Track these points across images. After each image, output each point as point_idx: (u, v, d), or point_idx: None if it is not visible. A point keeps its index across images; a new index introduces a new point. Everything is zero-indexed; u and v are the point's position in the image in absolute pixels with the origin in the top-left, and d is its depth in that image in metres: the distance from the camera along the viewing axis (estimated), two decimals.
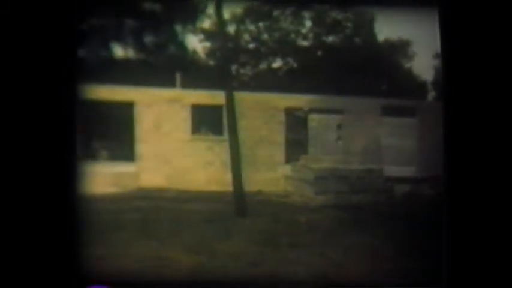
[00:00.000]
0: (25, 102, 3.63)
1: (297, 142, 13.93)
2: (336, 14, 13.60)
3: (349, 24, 14.12)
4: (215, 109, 13.07)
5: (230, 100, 9.96)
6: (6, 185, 3.53)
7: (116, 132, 14.30)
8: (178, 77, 13.67)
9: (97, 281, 4.27)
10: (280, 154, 13.46)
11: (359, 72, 12.89)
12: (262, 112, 13.41)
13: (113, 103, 13.00)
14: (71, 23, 3.97)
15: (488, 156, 3.96)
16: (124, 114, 13.48)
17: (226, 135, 11.68)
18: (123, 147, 14.13)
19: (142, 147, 13.12)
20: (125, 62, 13.57)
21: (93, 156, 14.13)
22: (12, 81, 3.66)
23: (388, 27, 12.70)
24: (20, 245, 3.48)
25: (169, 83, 13.52)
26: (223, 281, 6.01)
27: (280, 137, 13.48)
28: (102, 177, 11.98)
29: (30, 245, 3.49)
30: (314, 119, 13.53)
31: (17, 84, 3.69)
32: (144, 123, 13.14)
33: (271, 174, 13.25)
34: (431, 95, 13.01)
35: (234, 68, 14.13)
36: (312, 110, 13.67)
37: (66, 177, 3.82)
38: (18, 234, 3.48)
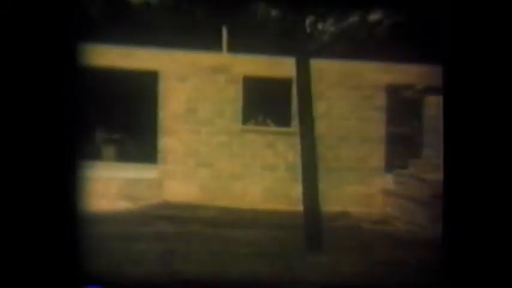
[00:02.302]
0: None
1: (404, 138, 13.65)
2: None
3: None
4: (279, 85, 13.20)
5: (303, 72, 9.51)
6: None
7: (129, 119, 14.52)
8: (224, 34, 13.71)
9: (94, 281, 5.14)
10: (377, 156, 13.53)
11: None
12: (351, 91, 13.49)
13: (125, 73, 13.17)
14: None
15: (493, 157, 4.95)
16: (142, 90, 13.87)
17: (295, 126, 11.86)
18: (140, 141, 14.41)
19: (168, 141, 13.27)
20: (145, 13, 13.55)
21: (95, 154, 14.54)
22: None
23: None
24: (16, 246, 4.39)
25: (211, 43, 13.57)
26: None
27: (378, 129, 13.51)
28: (108, 186, 12.35)
29: (27, 246, 4.41)
30: (433, 103, 13.05)
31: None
32: (173, 104, 13.27)
33: (363, 188, 13.38)
34: None
35: (308, 21, 13.66)
36: (429, 89, 13.28)
37: (63, 177, 4.60)
38: (13, 234, 4.41)
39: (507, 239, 4.86)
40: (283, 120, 13.71)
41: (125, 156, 14.48)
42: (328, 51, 14.09)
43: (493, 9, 4.93)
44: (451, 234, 5.02)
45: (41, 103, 4.54)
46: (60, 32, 4.63)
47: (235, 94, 13.41)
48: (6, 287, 4.37)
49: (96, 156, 14.38)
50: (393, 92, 13.62)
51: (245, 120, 13.66)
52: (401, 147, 13.57)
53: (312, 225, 9.37)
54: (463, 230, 4.93)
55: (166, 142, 13.26)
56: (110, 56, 12.61)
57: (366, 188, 13.30)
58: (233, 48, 13.71)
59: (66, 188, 4.54)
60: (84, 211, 4.99)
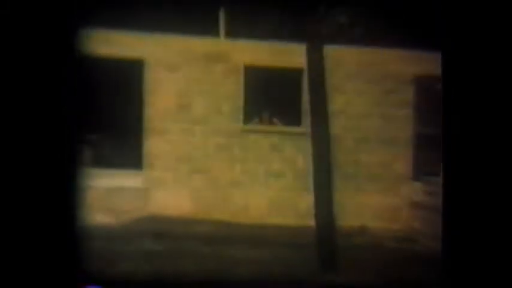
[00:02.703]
0: None
1: (435, 140, 13.51)
2: None
3: None
4: (287, 77, 13.27)
5: (315, 60, 9.60)
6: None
7: (109, 116, 14.43)
8: (221, 16, 13.63)
9: (93, 280, 5.48)
10: (403, 161, 13.66)
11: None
12: (372, 84, 13.48)
13: (105, 62, 12.56)
14: None
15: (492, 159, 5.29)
16: (125, 82, 13.74)
17: (306, 126, 11.91)
18: (122, 143, 14.30)
19: (155, 143, 13.30)
20: None
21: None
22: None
23: None
24: (15, 245, 4.53)
25: (207, 27, 13.52)
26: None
27: (404, 129, 13.63)
28: (86, 196, 12.23)
29: (26, 245, 4.53)
30: None
31: None
32: (161, 99, 13.29)
33: (386, 199, 13.43)
34: None
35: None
36: None
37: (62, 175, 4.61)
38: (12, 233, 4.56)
39: (508, 239, 5.14)
40: (291, 118, 13.66)
41: (103, 160, 14.29)
42: (346, 36, 13.97)
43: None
44: (451, 235, 5.34)
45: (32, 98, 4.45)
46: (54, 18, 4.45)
47: (235, 87, 13.38)
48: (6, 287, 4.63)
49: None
50: (422, 85, 13.60)
51: (247, 119, 13.63)
52: (431, 151, 13.12)
53: (326, 243, 9.41)
54: (463, 231, 5.24)
55: (153, 144, 13.25)
56: (88, 42, 12.46)
57: (389, 199, 13.32)
58: (232, 33, 13.59)
59: (64, 187, 4.55)
60: (83, 210, 5.03)
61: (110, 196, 12.71)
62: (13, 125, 4.44)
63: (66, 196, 4.59)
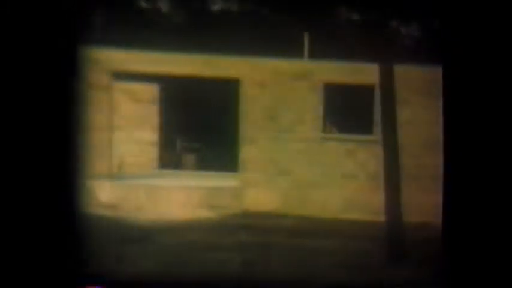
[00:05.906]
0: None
1: None
2: None
3: None
4: (361, 92, 13.26)
5: (387, 77, 9.77)
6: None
7: (209, 127, 14.68)
8: (306, 40, 14.16)
9: (94, 281, 5.58)
10: None
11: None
12: (434, 97, 12.79)
13: (206, 80, 13.51)
14: None
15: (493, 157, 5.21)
16: (222, 98, 14.31)
17: (377, 134, 12.04)
18: (220, 149, 14.47)
19: (248, 149, 13.65)
20: (225, 20, 13.74)
21: (175, 163, 14.80)
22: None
23: None
24: (17, 245, 4.67)
25: (293, 50, 13.96)
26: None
27: None
28: (189, 194, 13.00)
29: (27, 245, 4.69)
30: None
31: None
32: (253, 111, 13.63)
33: None
34: None
35: (395, 23, 13.74)
36: None
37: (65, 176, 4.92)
38: (14, 233, 4.70)
39: (508, 238, 5.08)
40: (364, 126, 13.60)
41: (206, 165, 15.28)
42: (412, 56, 13.90)
43: (492, 8, 5.20)
44: (452, 234, 5.25)
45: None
46: None
47: (316, 101, 13.56)
48: (7, 287, 4.70)
49: (177, 164, 14.81)
50: None
51: (325, 128, 13.85)
52: None
53: (395, 237, 9.70)
54: (464, 230, 5.14)
55: (247, 150, 13.58)
56: (193, 65, 12.98)
57: None
58: (315, 54, 14.03)
59: (66, 187, 4.74)
60: (84, 210, 5.34)
61: (211, 195, 13.11)
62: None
63: (68, 198, 4.70)
